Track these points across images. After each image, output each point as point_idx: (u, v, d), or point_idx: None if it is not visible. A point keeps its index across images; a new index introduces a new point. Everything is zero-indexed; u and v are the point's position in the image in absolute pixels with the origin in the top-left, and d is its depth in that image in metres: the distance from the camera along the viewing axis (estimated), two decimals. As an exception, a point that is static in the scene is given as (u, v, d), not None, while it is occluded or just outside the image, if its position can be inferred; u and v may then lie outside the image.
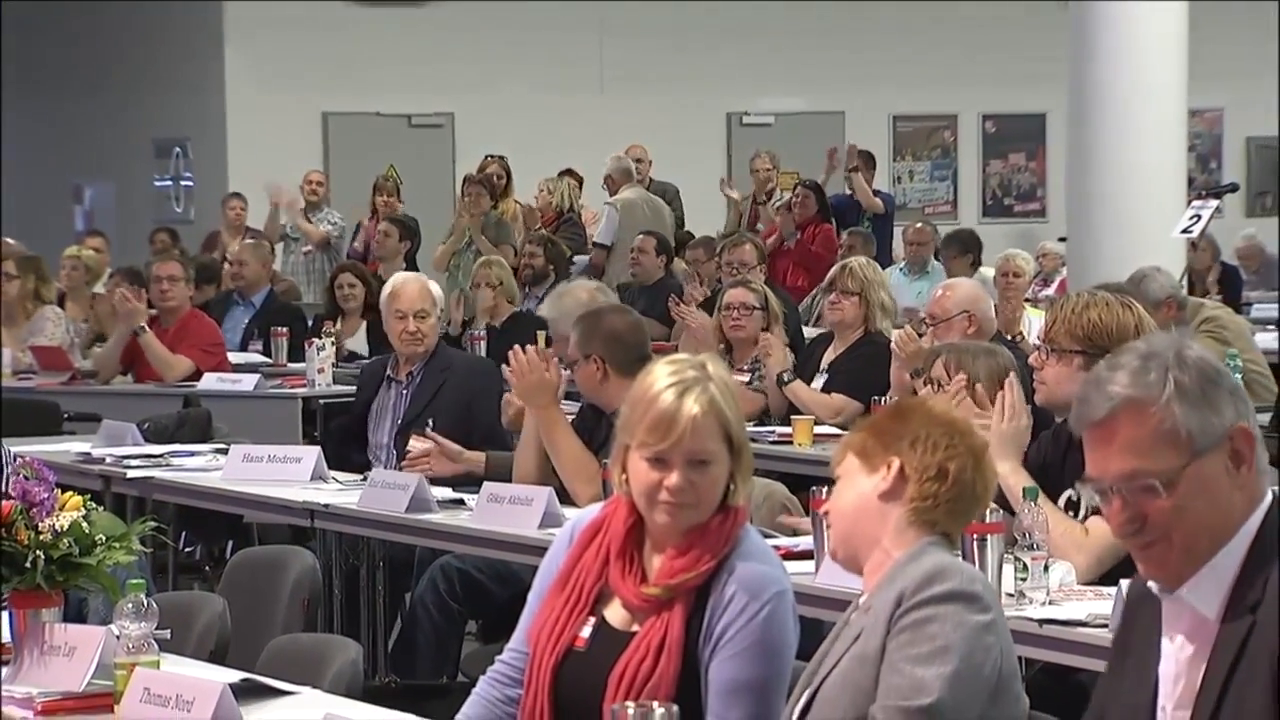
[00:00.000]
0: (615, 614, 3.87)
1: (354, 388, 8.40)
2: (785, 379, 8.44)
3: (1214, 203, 10.80)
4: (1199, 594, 2.98)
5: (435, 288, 7.83)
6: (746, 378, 8.65)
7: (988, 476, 3.64)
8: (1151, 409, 2.96)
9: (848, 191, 15.45)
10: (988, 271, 12.55)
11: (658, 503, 3.79)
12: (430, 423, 7.40)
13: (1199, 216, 10.56)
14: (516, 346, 6.60)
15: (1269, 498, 3.00)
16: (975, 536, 4.79)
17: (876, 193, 15.65)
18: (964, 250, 13.55)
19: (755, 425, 8.15)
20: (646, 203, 14.59)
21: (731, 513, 3.84)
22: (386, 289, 7.86)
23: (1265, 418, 7.46)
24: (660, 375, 3.83)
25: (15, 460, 4.87)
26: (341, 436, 8.03)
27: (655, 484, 3.78)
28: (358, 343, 11.35)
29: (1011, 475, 5.20)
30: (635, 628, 3.83)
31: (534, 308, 12.31)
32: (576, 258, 14.22)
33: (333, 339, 10.76)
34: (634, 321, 6.67)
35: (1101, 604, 4.71)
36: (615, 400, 5.98)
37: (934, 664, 3.36)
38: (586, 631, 3.87)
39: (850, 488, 3.62)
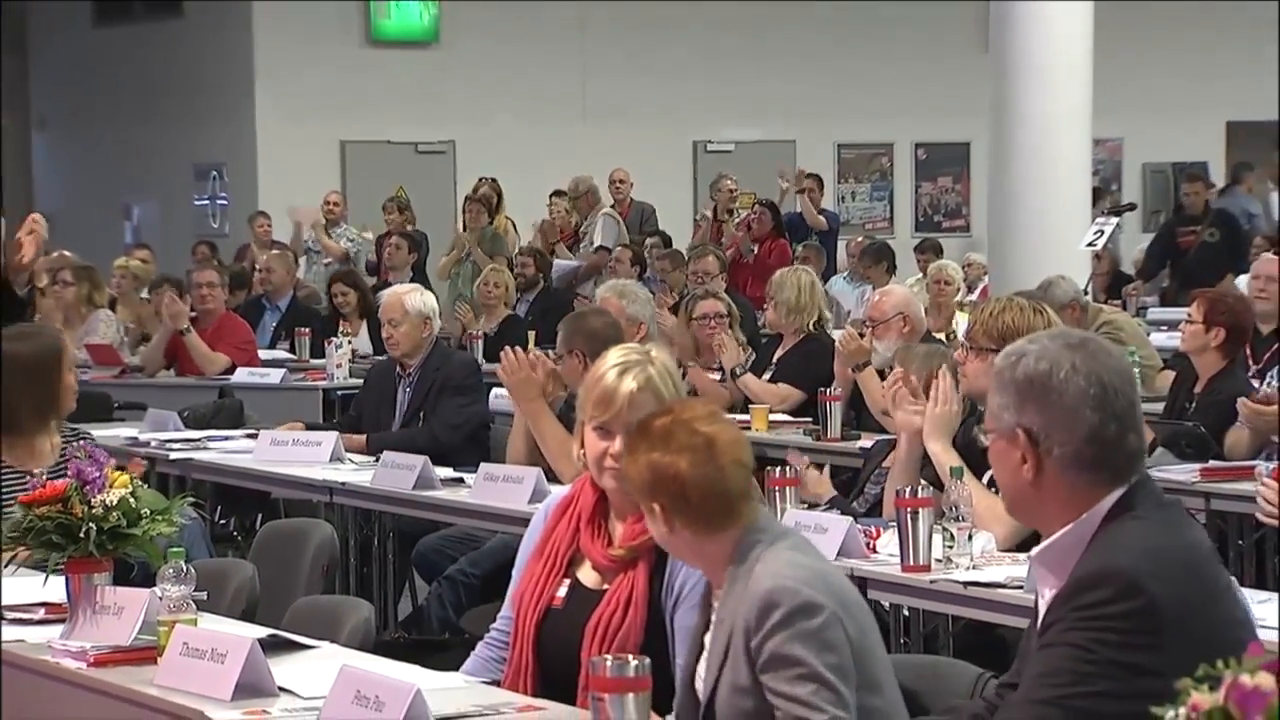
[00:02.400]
0: (587, 575, 3.87)
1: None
2: (737, 373, 8.49)
3: (1115, 220, 10.85)
4: (1050, 560, 2.96)
5: (413, 301, 7.62)
6: (718, 375, 8.66)
7: (721, 449, 3.35)
8: (993, 377, 3.02)
9: (798, 210, 15.47)
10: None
11: (604, 468, 3.81)
12: (421, 416, 7.44)
13: (1102, 232, 10.60)
14: (506, 349, 6.59)
15: (1122, 490, 2.94)
16: (909, 510, 4.79)
17: (823, 211, 15.68)
18: (878, 259, 13.76)
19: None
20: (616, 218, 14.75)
21: None
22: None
23: (1158, 407, 7.46)
24: (609, 359, 3.87)
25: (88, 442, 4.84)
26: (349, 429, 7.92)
27: (601, 452, 3.81)
28: (360, 342, 11.31)
29: (943, 454, 5.19)
30: (605, 586, 3.83)
31: (525, 311, 12.33)
32: (557, 262, 14.23)
33: (349, 338, 10.76)
34: (611, 321, 6.69)
35: (1018, 568, 4.70)
36: None
37: (806, 683, 3.21)
38: (563, 591, 3.87)
39: (653, 527, 3.43)
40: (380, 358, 10.02)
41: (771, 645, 3.23)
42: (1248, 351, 7.37)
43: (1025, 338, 3.06)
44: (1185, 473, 6.26)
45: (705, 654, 3.41)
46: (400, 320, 7.58)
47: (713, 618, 3.41)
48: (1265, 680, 2.28)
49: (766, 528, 3.40)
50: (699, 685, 3.41)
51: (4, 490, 5.17)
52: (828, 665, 3.21)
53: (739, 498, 3.37)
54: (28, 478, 4.98)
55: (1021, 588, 4.54)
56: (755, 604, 3.25)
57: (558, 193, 15.22)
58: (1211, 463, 6.42)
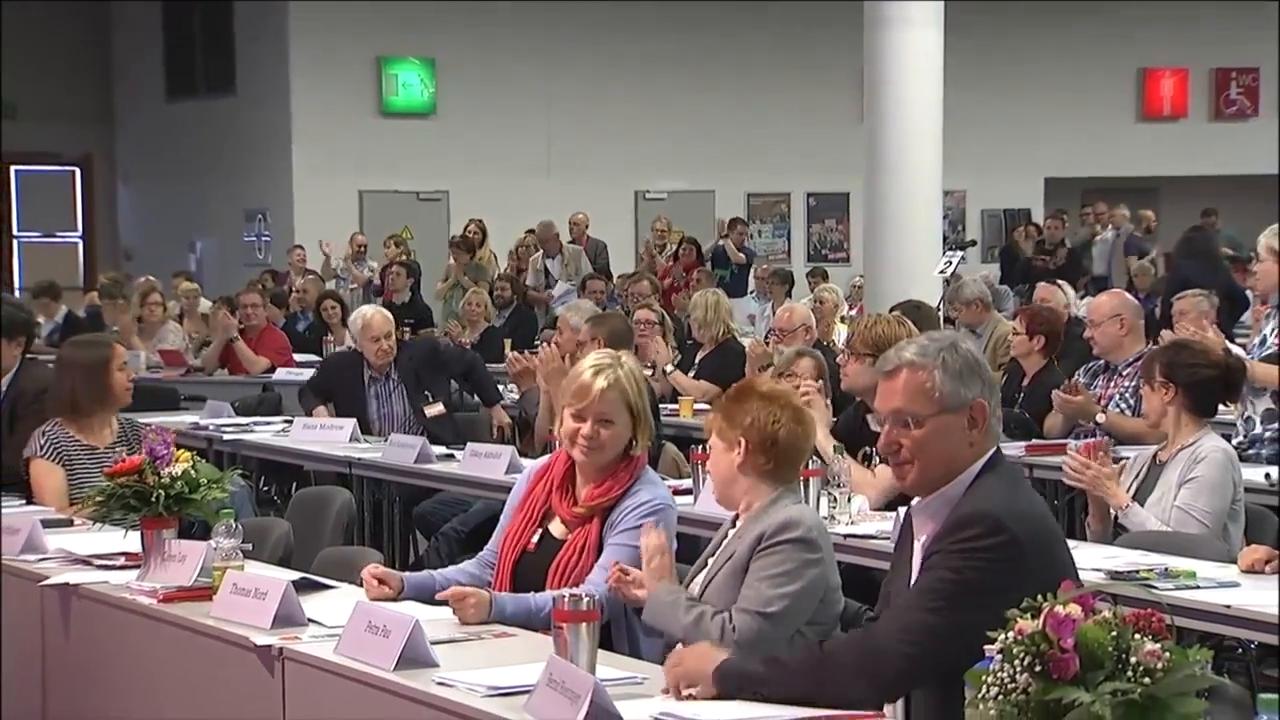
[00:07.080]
0: (556, 528, 3.88)
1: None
2: (667, 370, 8.50)
3: (960, 253, 10.92)
4: (933, 510, 2.97)
5: (389, 315, 7.56)
6: (650, 370, 8.67)
7: (807, 426, 3.57)
8: (921, 371, 2.95)
9: (720, 244, 15.53)
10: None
11: (575, 443, 3.82)
12: (408, 394, 7.38)
13: (950, 262, 10.65)
14: (543, 344, 6.68)
15: (992, 452, 2.98)
16: (804, 479, 4.81)
17: (741, 249, 15.71)
18: (782, 282, 13.87)
19: (653, 404, 8.14)
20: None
21: (634, 459, 3.85)
22: (358, 321, 7.50)
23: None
24: (588, 361, 3.89)
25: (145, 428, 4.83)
26: (309, 398, 7.81)
27: (574, 431, 3.82)
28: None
29: (825, 439, 5.23)
30: (568, 536, 3.83)
31: (502, 324, 12.29)
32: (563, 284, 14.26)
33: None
34: (626, 323, 7.07)
35: (885, 524, 4.73)
36: None
37: (776, 586, 3.34)
38: (536, 539, 3.88)
39: (719, 458, 3.59)
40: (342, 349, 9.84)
41: (773, 550, 3.39)
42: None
43: (926, 335, 3.07)
44: (1014, 449, 6.28)
45: (706, 570, 3.53)
46: (392, 333, 7.52)
47: (723, 543, 3.55)
48: (1074, 610, 2.31)
49: (798, 493, 3.62)
50: (693, 588, 3.51)
51: (74, 456, 5.36)
52: (800, 587, 3.36)
53: (801, 460, 3.57)
54: (93, 450, 5.32)
55: (888, 539, 4.56)
56: (777, 522, 3.42)
57: (529, 231, 15.20)
58: (1034, 441, 6.47)
